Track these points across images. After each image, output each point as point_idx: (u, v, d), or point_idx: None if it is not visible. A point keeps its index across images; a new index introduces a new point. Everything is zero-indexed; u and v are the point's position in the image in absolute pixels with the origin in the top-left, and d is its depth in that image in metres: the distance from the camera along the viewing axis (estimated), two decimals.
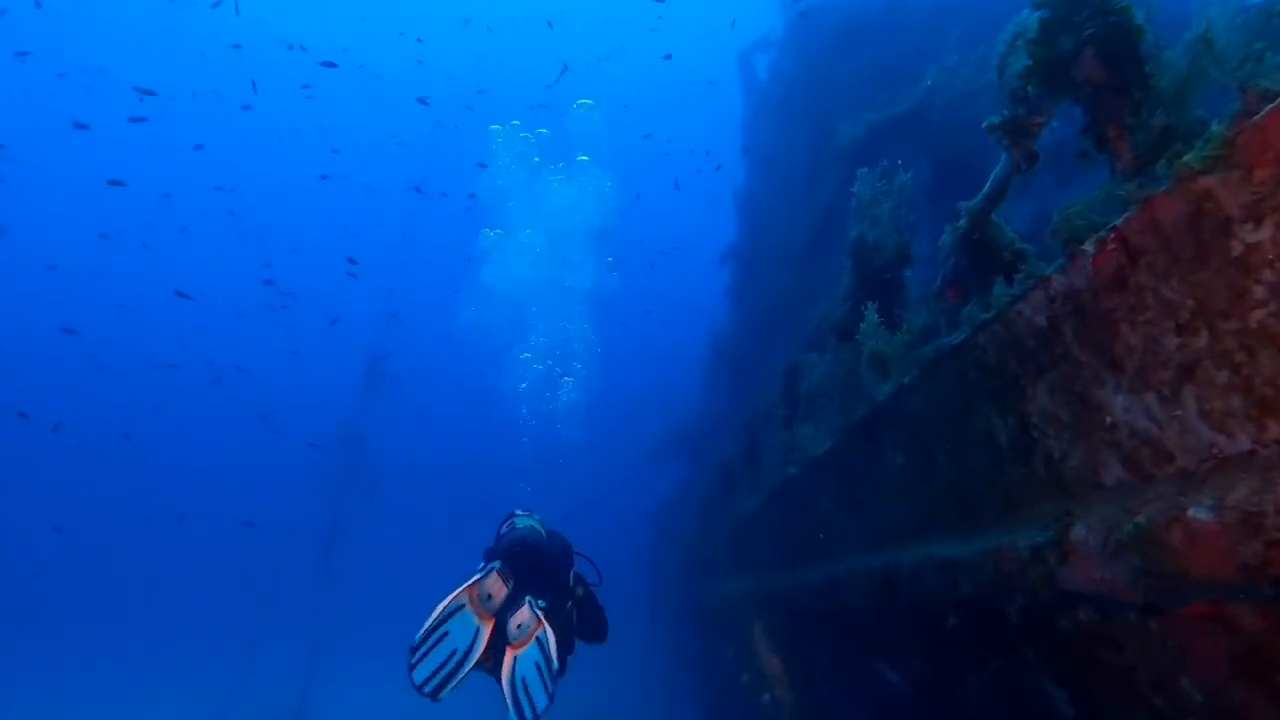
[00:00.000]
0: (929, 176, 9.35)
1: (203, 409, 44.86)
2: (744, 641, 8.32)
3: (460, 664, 3.80)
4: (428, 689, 3.74)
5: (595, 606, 4.27)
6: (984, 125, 3.09)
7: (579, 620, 4.28)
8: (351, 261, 26.14)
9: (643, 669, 19.72)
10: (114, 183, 19.05)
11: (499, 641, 3.86)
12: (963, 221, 3.49)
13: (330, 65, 25.04)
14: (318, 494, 23.13)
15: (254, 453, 44.20)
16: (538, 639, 3.81)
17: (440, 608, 3.82)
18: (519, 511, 4.67)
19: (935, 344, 3.64)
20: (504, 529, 4.52)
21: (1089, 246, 2.41)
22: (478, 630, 3.85)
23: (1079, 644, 3.10)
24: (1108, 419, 2.63)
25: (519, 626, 3.82)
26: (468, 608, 3.86)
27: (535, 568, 4.15)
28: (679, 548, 16.07)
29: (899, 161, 5.64)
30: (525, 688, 3.76)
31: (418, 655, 3.75)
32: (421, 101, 23.66)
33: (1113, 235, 2.34)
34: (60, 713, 18.42)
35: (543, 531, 4.52)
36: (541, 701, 3.76)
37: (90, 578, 38.10)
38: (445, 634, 3.81)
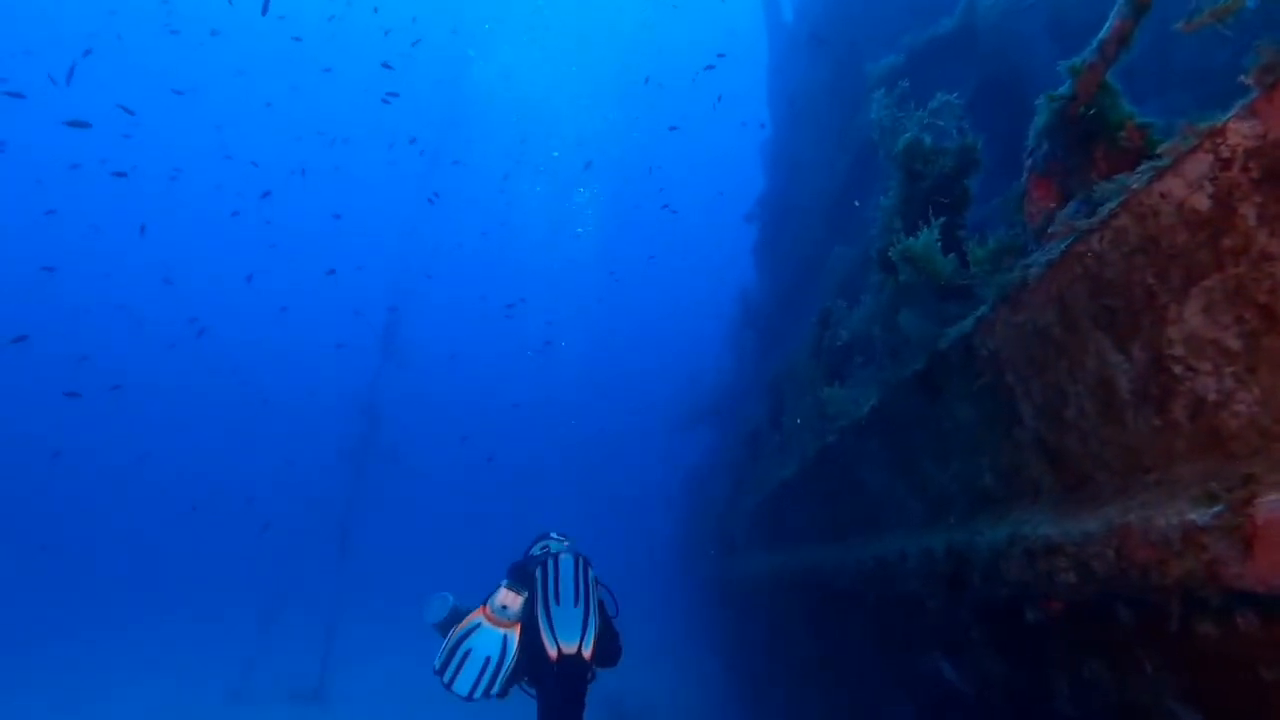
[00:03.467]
0: (977, 105, 8.30)
1: (213, 383, 45.11)
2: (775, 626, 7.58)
3: (499, 665, 3.81)
4: (478, 694, 3.79)
5: (612, 634, 4.19)
6: None
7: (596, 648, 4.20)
8: (303, 173, 26.30)
9: (668, 648, 19.24)
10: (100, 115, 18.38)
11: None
12: (1064, 88, 2.57)
13: None
14: (339, 466, 22.89)
15: (268, 427, 44.47)
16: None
17: (455, 631, 3.87)
18: (554, 535, 4.61)
19: (1022, 261, 2.76)
20: (536, 549, 4.47)
21: None
22: (505, 636, 3.86)
23: (1229, 656, 2.27)
24: None
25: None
26: (485, 624, 3.87)
27: None
28: (705, 521, 15.39)
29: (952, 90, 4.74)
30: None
31: (449, 674, 3.78)
32: None
33: None
34: (79, 685, 18.49)
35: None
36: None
37: (110, 552, 38.68)
38: (469, 650, 3.81)
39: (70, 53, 35.72)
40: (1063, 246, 2.47)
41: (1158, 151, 1.95)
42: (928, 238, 3.12)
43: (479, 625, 3.85)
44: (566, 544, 4.56)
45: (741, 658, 11.68)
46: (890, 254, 3.33)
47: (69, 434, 36.80)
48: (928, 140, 3.75)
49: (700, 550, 16.06)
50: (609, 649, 4.17)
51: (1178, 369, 2.17)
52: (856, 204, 9.82)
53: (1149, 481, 2.34)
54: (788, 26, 18.80)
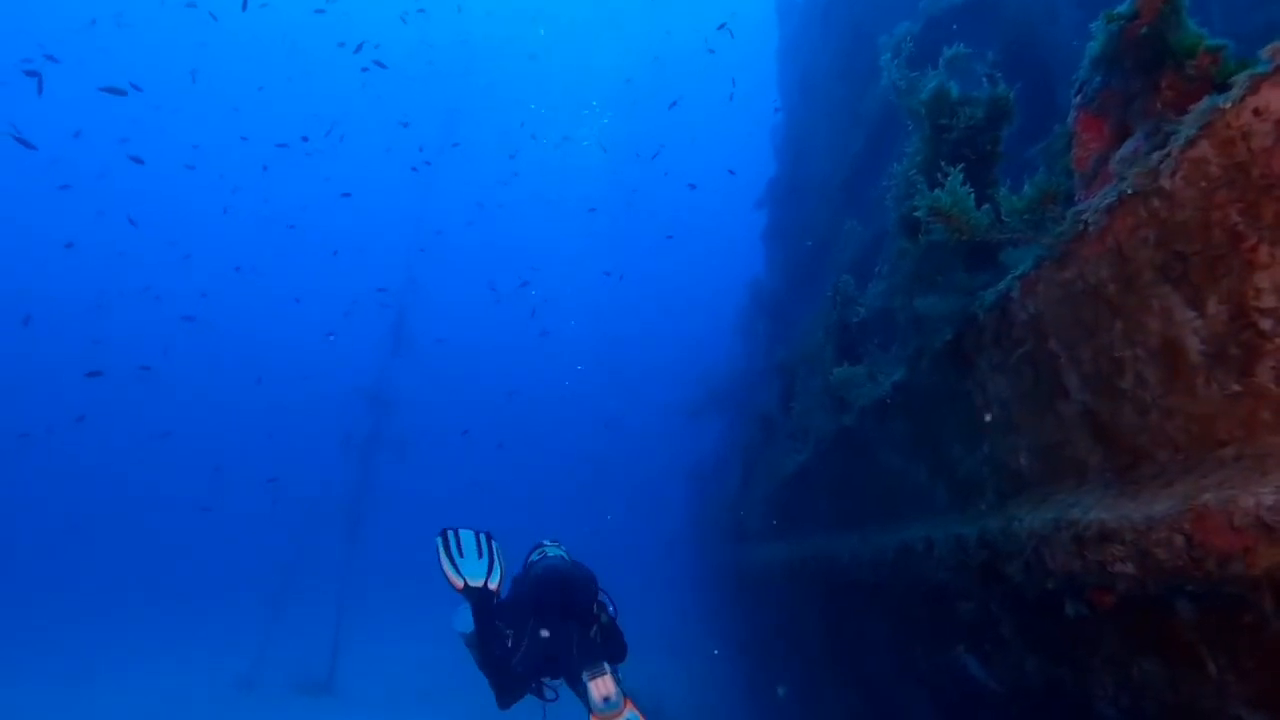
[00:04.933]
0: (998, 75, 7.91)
1: (217, 370, 45.09)
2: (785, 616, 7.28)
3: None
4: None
5: (616, 630, 4.45)
6: None
7: (603, 643, 4.40)
8: (305, 139, 26.68)
9: (678, 640, 19.02)
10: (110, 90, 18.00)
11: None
12: (1125, 6, 2.24)
13: None
14: (347, 454, 22.77)
15: (280, 415, 44.46)
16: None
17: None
18: (547, 541, 4.83)
19: (1071, 210, 2.43)
20: (535, 556, 4.68)
21: None
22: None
23: None
24: None
25: (605, 700, 3.76)
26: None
27: (568, 596, 4.30)
28: (716, 511, 15.12)
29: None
30: None
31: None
32: None
33: None
34: (90, 676, 18.48)
35: (569, 560, 4.65)
36: None
37: (117, 542, 38.75)
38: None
39: (75, 40, 35.66)
40: (1123, 188, 2.14)
41: (1260, 54, 1.62)
42: (957, 187, 2.79)
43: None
44: (563, 548, 4.79)
45: (753, 650, 11.42)
46: (916, 211, 3.00)
47: (71, 429, 36.87)
48: (955, 89, 3.41)
49: (711, 540, 15.80)
50: (615, 644, 4.36)
51: (1266, 324, 1.85)
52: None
53: (1225, 456, 2.02)
54: (799, 7, 18.35)
